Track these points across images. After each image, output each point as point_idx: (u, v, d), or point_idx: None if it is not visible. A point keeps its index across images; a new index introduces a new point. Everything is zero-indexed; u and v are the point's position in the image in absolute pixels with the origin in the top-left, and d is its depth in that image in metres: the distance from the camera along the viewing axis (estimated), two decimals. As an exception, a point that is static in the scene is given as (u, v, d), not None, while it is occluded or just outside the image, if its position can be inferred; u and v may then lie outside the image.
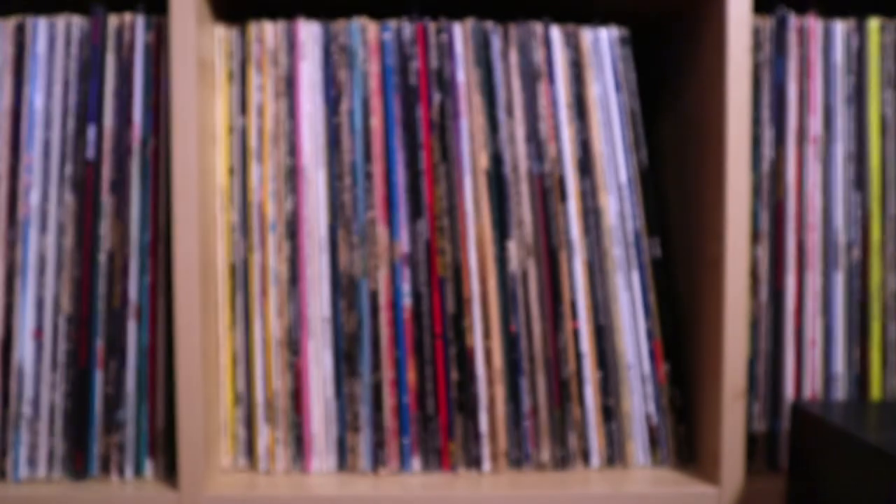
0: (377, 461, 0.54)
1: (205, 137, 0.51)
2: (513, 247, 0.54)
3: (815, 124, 0.52)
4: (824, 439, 0.45)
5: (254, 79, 0.53)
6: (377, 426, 0.54)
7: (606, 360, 0.54)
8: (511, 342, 0.54)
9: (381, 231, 0.53)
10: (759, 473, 0.54)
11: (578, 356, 0.54)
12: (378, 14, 0.59)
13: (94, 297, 0.52)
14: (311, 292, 0.53)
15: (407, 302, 0.53)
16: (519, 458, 0.54)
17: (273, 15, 0.58)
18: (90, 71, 0.52)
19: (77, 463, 0.52)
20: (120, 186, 0.52)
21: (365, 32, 0.53)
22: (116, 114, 0.52)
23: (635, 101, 0.54)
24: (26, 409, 0.52)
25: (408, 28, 0.53)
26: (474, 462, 0.54)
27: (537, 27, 0.53)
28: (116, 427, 0.52)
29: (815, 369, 0.53)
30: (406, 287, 0.53)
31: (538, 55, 0.53)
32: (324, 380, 0.54)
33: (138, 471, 0.53)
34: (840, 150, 0.53)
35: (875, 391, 0.53)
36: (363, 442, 0.54)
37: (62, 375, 0.52)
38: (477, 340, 0.54)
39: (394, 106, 0.53)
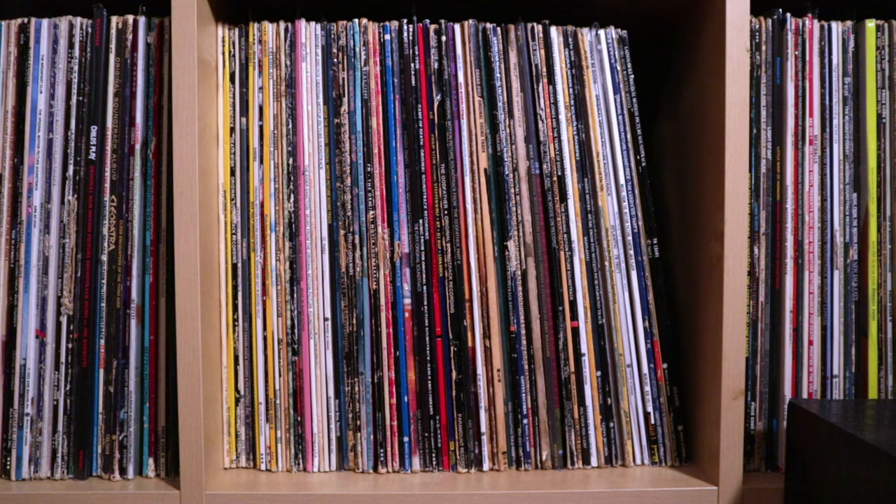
0: (377, 460, 0.54)
1: (206, 138, 0.51)
2: (513, 247, 0.54)
3: (813, 125, 0.53)
4: (822, 438, 0.45)
5: (255, 79, 0.54)
6: (377, 425, 0.54)
7: (605, 360, 0.55)
8: (511, 342, 0.54)
9: (381, 231, 0.54)
10: (758, 472, 0.54)
11: (578, 356, 0.54)
12: (378, 15, 0.60)
13: (95, 297, 0.52)
14: (312, 292, 0.54)
15: (407, 302, 0.54)
16: (518, 457, 0.55)
17: (274, 16, 0.59)
18: (92, 72, 0.52)
19: (79, 461, 0.53)
20: (122, 187, 0.52)
21: (365, 33, 0.53)
22: (118, 114, 0.52)
23: (634, 101, 0.55)
24: (29, 409, 0.52)
25: (408, 29, 0.54)
26: (474, 461, 0.54)
27: (537, 28, 0.54)
28: (118, 426, 0.53)
29: (813, 368, 0.53)
30: (406, 287, 0.54)
31: (538, 56, 0.54)
32: (324, 379, 0.54)
33: (140, 469, 0.53)
34: (837, 150, 0.53)
35: (872, 390, 0.53)
36: (363, 441, 0.54)
37: (64, 375, 0.52)
38: (477, 340, 0.54)
39: (394, 106, 0.54)
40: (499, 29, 0.54)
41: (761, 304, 0.53)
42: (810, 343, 0.53)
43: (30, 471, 0.53)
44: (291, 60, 0.53)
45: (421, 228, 0.54)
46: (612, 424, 0.55)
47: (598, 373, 0.54)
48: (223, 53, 0.54)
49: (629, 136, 0.54)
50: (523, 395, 0.54)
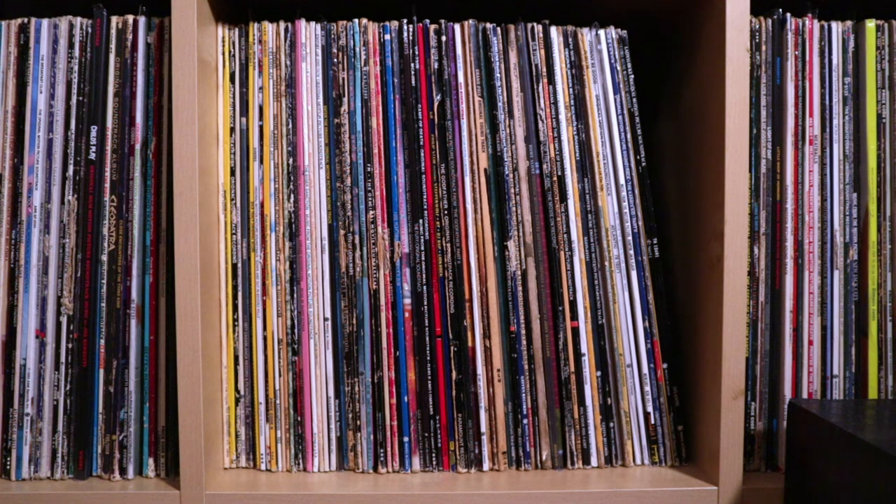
0: (377, 460, 0.54)
1: (206, 138, 0.51)
2: (513, 247, 0.54)
3: (813, 125, 0.53)
4: (822, 438, 0.45)
5: (255, 79, 0.54)
6: (377, 425, 0.54)
7: (605, 360, 0.55)
8: (511, 342, 0.54)
9: (381, 231, 0.54)
10: (758, 472, 0.54)
11: (578, 356, 0.54)
12: (378, 15, 0.60)
13: (95, 297, 0.52)
14: (312, 292, 0.54)
15: (407, 302, 0.54)
16: (518, 457, 0.55)
17: (274, 16, 0.59)
18: (92, 72, 0.52)
19: (79, 461, 0.53)
20: (122, 187, 0.52)
21: (365, 33, 0.53)
22: (118, 114, 0.52)
23: (634, 101, 0.55)
24: (29, 409, 0.52)
25: (408, 29, 0.54)
26: (474, 461, 0.54)
27: (537, 28, 0.54)
28: (118, 426, 0.53)
29: (813, 368, 0.53)
30: (406, 287, 0.54)
31: (538, 56, 0.54)
32: (324, 379, 0.54)
33: (140, 469, 0.53)
34: (837, 150, 0.53)
35: (872, 390, 0.53)
36: (363, 441, 0.54)
37: (64, 375, 0.52)
38: (477, 340, 0.54)
39: (394, 106, 0.54)
40: (499, 29, 0.54)
41: (761, 304, 0.53)
42: (810, 343, 0.53)
43: (30, 471, 0.53)
44: (291, 60, 0.53)
45: (421, 228, 0.54)
46: (612, 424, 0.55)
47: (598, 373, 0.54)
48: (223, 53, 0.54)
49: (629, 136, 0.54)
50: (523, 395, 0.54)
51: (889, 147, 0.53)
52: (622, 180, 0.54)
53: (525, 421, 0.54)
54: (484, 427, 0.54)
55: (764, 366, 0.53)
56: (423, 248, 0.54)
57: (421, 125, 0.53)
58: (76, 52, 0.52)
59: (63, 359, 0.52)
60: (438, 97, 0.54)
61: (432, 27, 0.54)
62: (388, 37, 0.53)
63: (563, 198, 0.54)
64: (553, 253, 0.54)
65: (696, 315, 0.56)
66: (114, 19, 0.52)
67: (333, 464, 0.54)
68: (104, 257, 0.52)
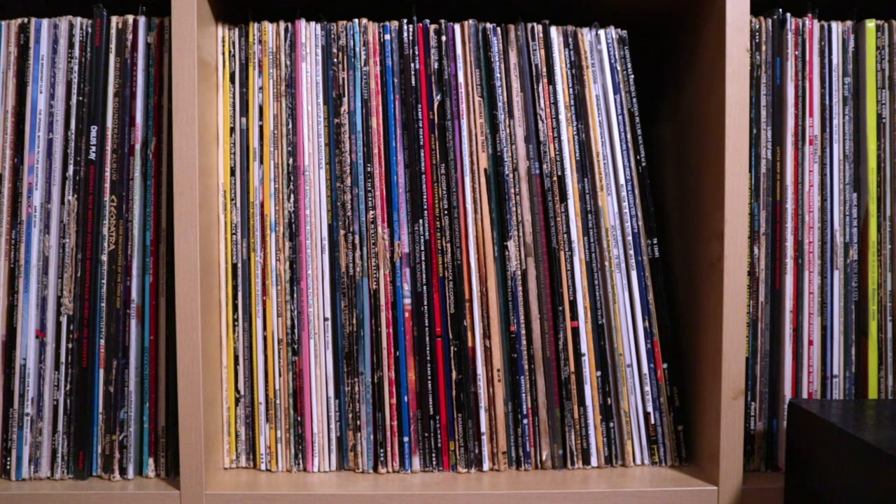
0: (377, 460, 0.54)
1: (206, 138, 0.51)
2: (513, 247, 0.54)
3: (813, 125, 0.53)
4: (822, 438, 0.45)
5: (255, 79, 0.54)
6: (377, 425, 0.54)
7: (605, 360, 0.55)
8: (511, 342, 0.54)
9: (381, 231, 0.54)
10: (758, 472, 0.54)
11: (578, 356, 0.54)
12: (378, 15, 0.60)
13: (95, 297, 0.52)
14: (312, 292, 0.54)
15: (407, 302, 0.54)
16: (518, 457, 0.55)
17: (274, 16, 0.59)
18: (92, 72, 0.52)
19: (79, 461, 0.53)
20: (122, 187, 0.52)
21: (365, 33, 0.53)
22: (118, 114, 0.52)
23: (634, 101, 0.55)
24: (29, 409, 0.52)
25: (408, 29, 0.54)
26: (474, 461, 0.54)
27: (537, 28, 0.54)
28: (118, 426, 0.53)
29: (813, 368, 0.53)
30: (406, 287, 0.54)
31: (538, 56, 0.54)
32: (324, 379, 0.54)
33: (140, 469, 0.53)
34: (837, 150, 0.53)
35: (872, 390, 0.53)
36: (363, 441, 0.54)
37: (64, 375, 0.52)
38: (477, 340, 0.54)
39: (394, 106, 0.54)
40: (499, 29, 0.54)
41: (761, 304, 0.53)
42: (810, 343, 0.53)
43: (30, 471, 0.53)
44: (291, 60, 0.53)
45: (421, 228, 0.54)
46: (612, 424, 0.55)
47: (598, 373, 0.54)
48: (223, 53, 0.54)
49: (629, 136, 0.54)
50: (523, 395, 0.54)
51: (889, 147, 0.53)
52: (622, 180, 0.54)
53: (525, 421, 0.54)
54: (484, 427, 0.54)
55: (764, 366, 0.53)
56: (423, 248, 0.54)
57: (421, 125, 0.53)
58: (76, 52, 0.52)
59: (63, 359, 0.52)
60: (438, 97, 0.54)
61: (432, 27, 0.54)
62: (388, 37, 0.53)
63: (563, 198, 0.54)
64: (553, 253, 0.54)
65: (696, 315, 0.56)
66: (114, 19, 0.52)
67: (333, 464, 0.54)
68: (104, 257, 0.52)
